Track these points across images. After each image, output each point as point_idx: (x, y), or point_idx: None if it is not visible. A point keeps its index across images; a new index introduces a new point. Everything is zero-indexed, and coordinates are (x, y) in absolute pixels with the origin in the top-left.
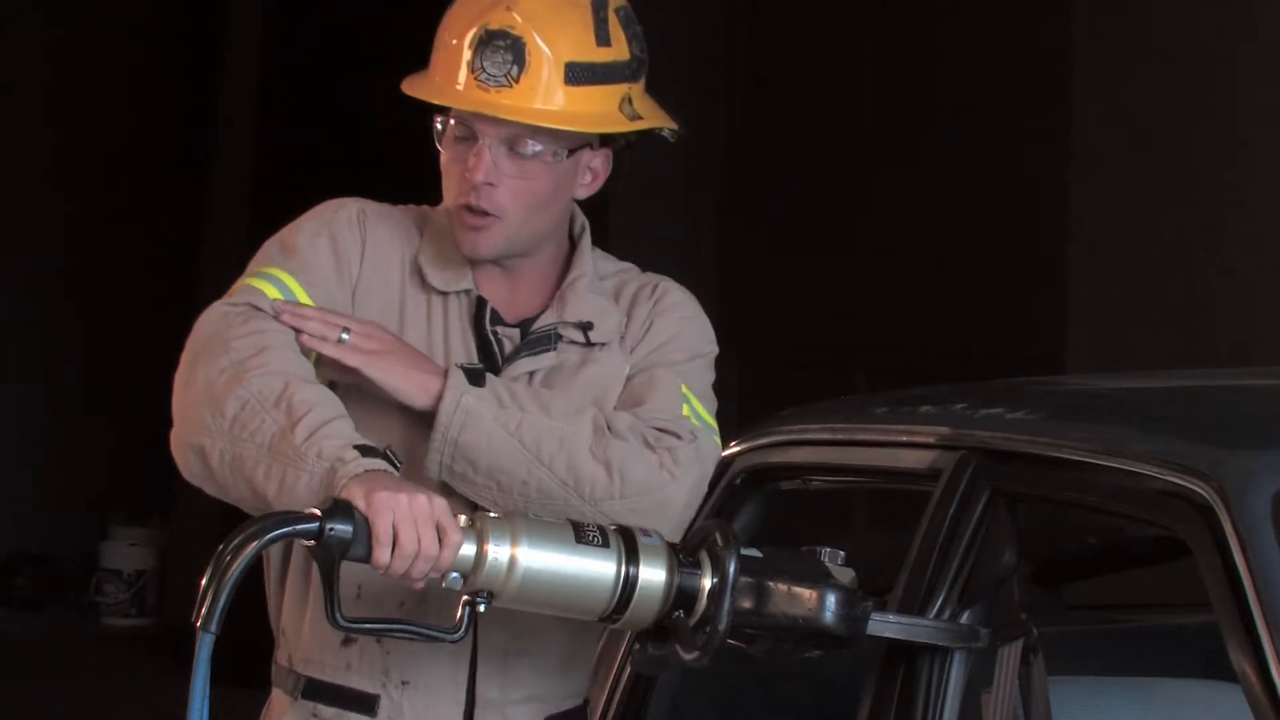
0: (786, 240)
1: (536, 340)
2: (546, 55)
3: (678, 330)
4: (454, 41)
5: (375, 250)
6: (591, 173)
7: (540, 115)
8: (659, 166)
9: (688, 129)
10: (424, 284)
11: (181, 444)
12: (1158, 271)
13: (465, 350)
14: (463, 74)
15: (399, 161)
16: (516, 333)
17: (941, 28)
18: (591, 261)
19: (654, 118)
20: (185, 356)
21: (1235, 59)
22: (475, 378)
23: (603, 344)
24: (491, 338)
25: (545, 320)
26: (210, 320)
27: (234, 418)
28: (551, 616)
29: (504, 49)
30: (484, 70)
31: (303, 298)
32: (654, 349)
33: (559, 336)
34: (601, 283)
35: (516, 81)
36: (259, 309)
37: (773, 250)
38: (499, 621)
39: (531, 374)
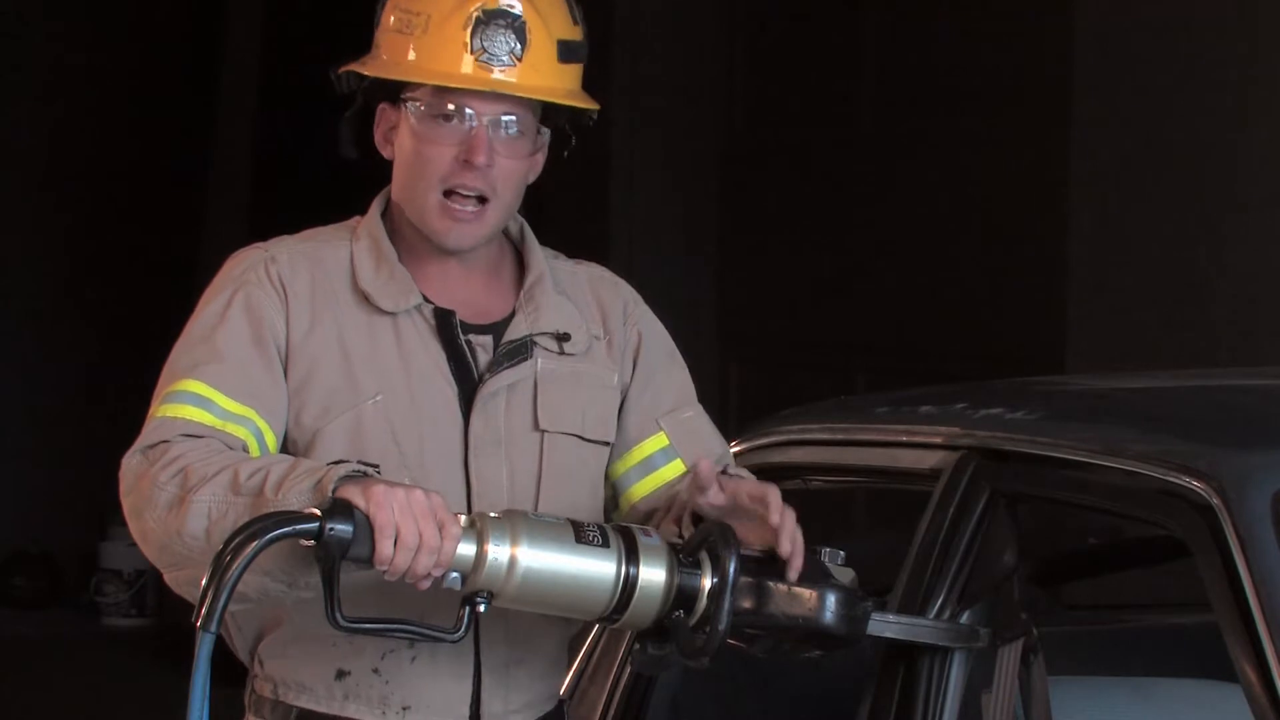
0: (786, 239)
1: (514, 350)
2: (544, 33)
3: (658, 334)
4: (439, 22)
5: (298, 298)
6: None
7: (551, 92)
8: (658, 165)
9: (687, 128)
10: (369, 308)
11: (182, 588)
12: (1158, 271)
13: (435, 367)
14: (460, 55)
15: None
16: (489, 340)
17: (941, 26)
18: (543, 258)
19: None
20: (127, 513)
21: (1235, 58)
22: None
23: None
24: (466, 349)
25: (518, 328)
26: (131, 472)
27: (206, 530)
28: (547, 621)
29: (505, 28)
30: (485, 51)
31: (222, 401)
32: (655, 368)
33: (534, 344)
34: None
35: (520, 60)
36: (164, 441)
37: (772, 249)
38: (499, 635)
39: (511, 385)
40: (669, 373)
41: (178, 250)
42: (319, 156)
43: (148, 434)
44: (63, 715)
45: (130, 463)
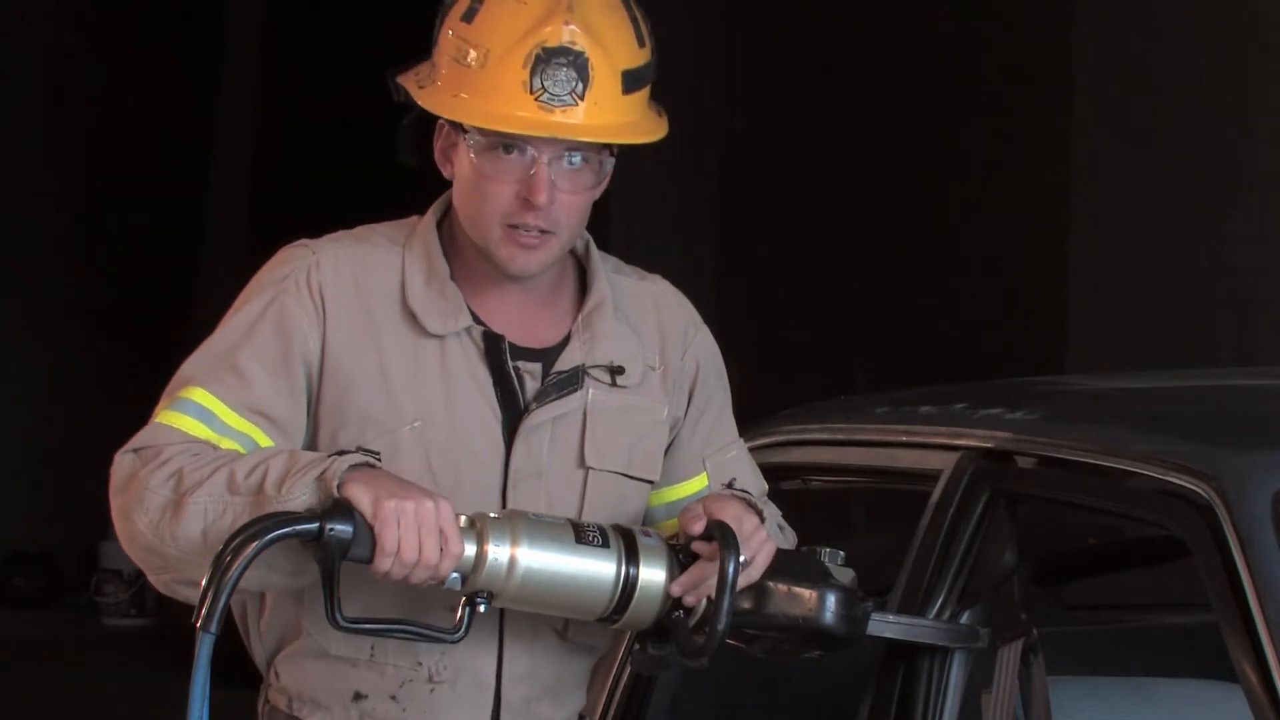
0: (786, 240)
1: (564, 381)
2: (607, 67)
3: (713, 363)
4: (499, 59)
5: (338, 310)
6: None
7: (615, 131)
8: (658, 166)
9: (687, 128)
10: (415, 327)
11: (170, 589)
12: (1158, 271)
13: (480, 393)
14: (520, 96)
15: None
16: (538, 367)
17: (942, 26)
18: (607, 280)
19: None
20: (115, 514)
21: (1236, 58)
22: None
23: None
24: (513, 375)
25: (571, 357)
26: (121, 474)
27: (203, 531)
28: (572, 656)
29: (566, 66)
30: (545, 90)
31: (224, 415)
32: (709, 403)
33: (586, 374)
34: (614, 293)
35: (581, 99)
36: (156, 444)
37: (773, 249)
38: (523, 670)
39: (557, 418)
40: (722, 406)
41: (179, 251)
42: (319, 155)
43: (143, 436)
44: (63, 715)
45: (122, 462)
